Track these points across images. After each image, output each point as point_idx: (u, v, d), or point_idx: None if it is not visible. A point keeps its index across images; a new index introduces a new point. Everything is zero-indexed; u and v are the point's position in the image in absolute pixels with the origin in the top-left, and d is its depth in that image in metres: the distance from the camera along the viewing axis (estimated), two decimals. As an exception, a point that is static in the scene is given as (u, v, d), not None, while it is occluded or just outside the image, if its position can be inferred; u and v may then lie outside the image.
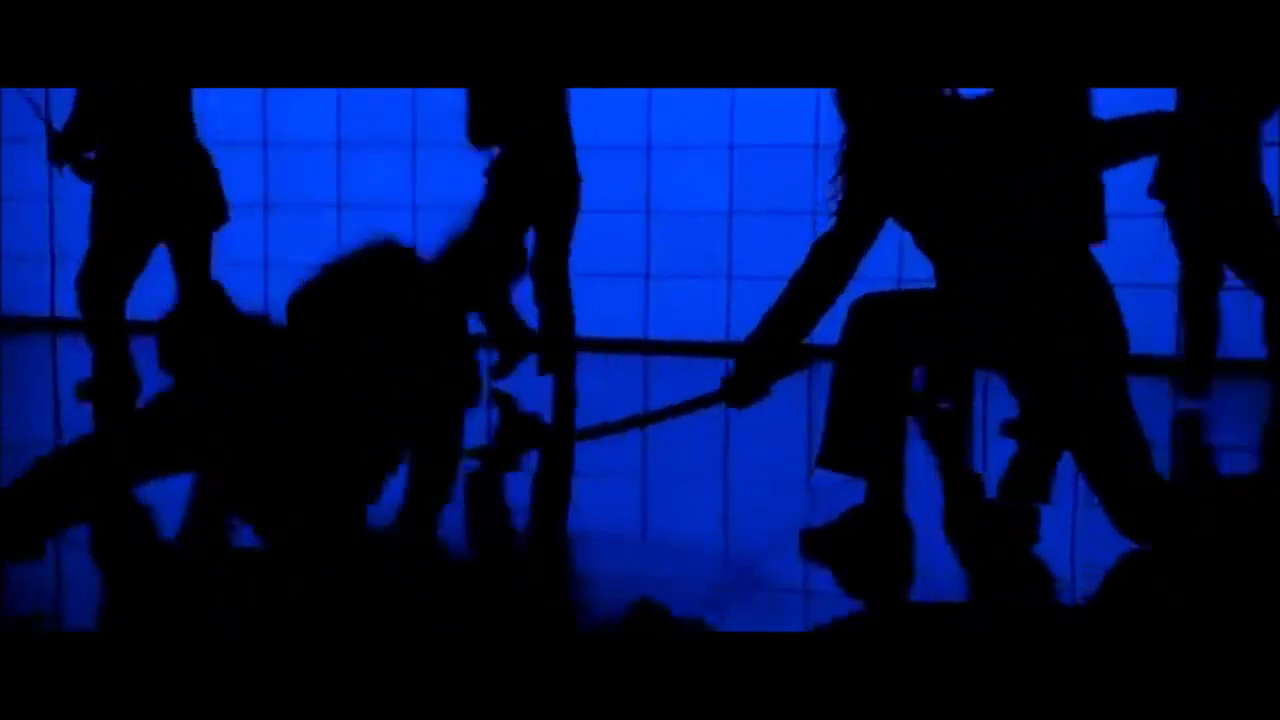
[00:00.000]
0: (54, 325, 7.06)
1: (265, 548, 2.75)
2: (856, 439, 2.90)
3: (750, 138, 6.72)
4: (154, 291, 4.95)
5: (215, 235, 4.90)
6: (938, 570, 2.93)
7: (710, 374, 3.30)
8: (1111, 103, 3.82)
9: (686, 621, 2.43)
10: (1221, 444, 4.60)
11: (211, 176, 4.82)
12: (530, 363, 5.30)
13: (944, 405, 4.69)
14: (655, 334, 6.85)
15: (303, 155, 7.39)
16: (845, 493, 3.07)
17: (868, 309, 2.88)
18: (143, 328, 5.92)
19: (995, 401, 4.62)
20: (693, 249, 6.82)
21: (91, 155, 4.73)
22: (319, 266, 3.14)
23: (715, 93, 6.61)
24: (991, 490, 3.54)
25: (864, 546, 2.96)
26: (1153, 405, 4.51)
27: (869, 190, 2.92)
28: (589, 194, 5.10)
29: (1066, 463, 3.12)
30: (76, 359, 5.25)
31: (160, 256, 4.83)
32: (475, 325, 3.39)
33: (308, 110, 7.33)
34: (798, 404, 4.77)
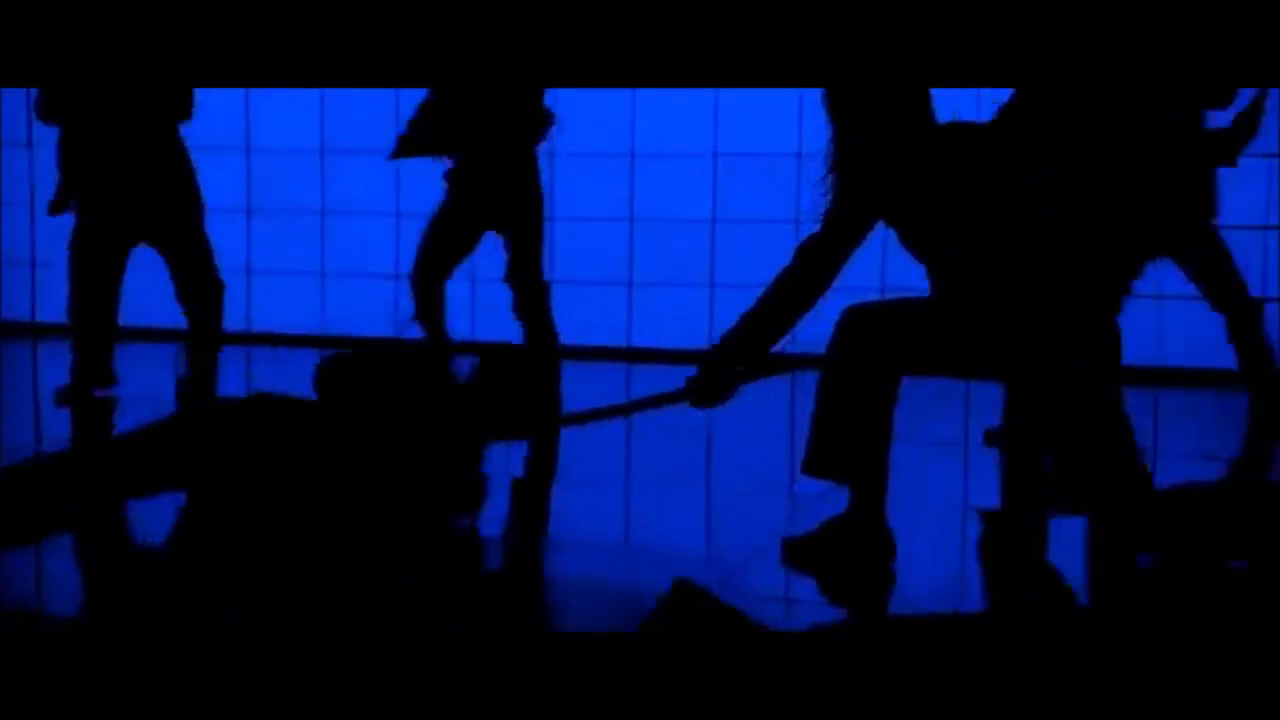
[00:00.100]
0: (35, 331, 7.02)
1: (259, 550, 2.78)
2: (841, 447, 2.91)
3: (734, 146, 6.73)
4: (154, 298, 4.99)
5: (205, 230, 4.88)
6: (918, 579, 2.94)
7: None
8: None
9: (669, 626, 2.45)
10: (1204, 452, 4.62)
11: (188, 175, 4.82)
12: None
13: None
14: (638, 342, 6.85)
15: (286, 161, 7.37)
16: (828, 500, 3.09)
17: (857, 317, 2.89)
18: (139, 333, 5.95)
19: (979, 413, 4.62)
20: (676, 257, 6.82)
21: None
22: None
23: (699, 100, 6.62)
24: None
25: (844, 556, 2.96)
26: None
27: (862, 191, 2.91)
28: (572, 202, 5.10)
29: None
30: (58, 365, 5.22)
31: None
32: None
33: (291, 116, 7.31)
34: (780, 411, 4.78)
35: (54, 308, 5.10)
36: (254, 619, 2.51)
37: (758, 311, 2.94)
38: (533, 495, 3.91)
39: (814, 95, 3.17)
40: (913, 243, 3.00)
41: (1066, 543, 3.22)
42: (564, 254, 5.16)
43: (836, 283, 2.96)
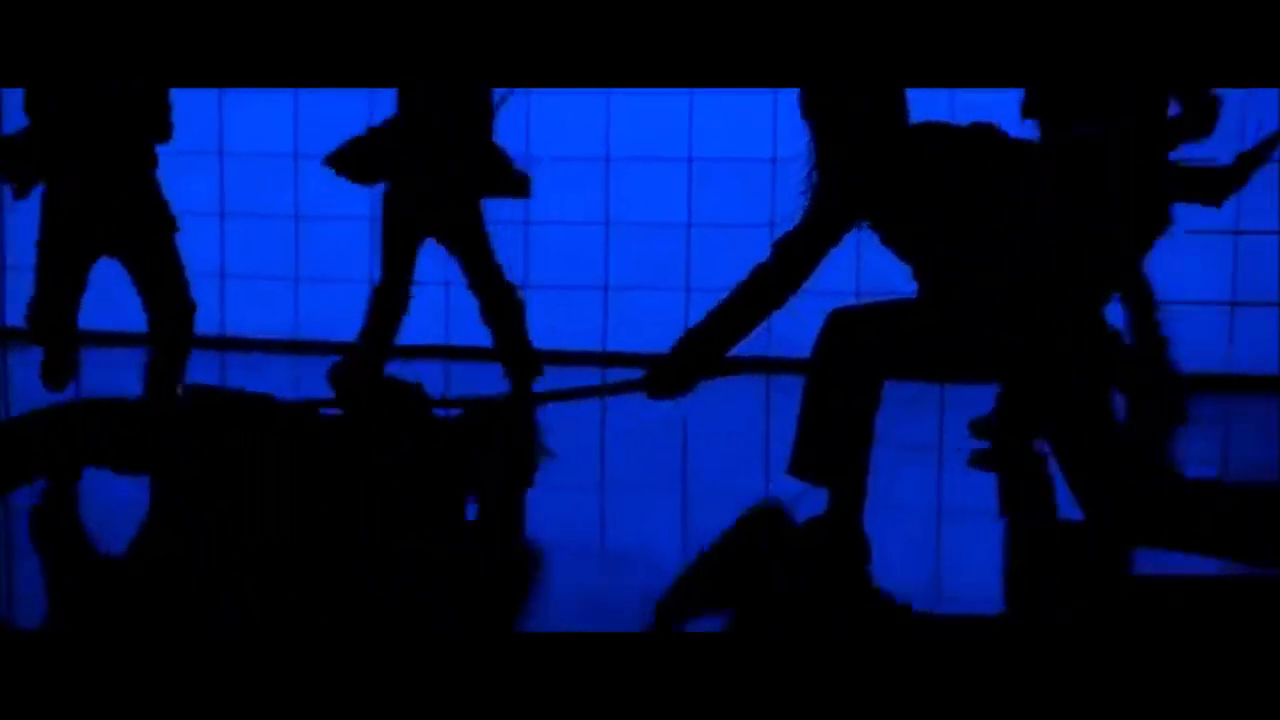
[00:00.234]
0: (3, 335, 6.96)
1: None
2: (823, 450, 2.92)
3: (709, 151, 6.73)
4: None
5: (176, 247, 4.82)
6: (895, 580, 2.95)
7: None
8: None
9: (646, 631, 2.44)
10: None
11: (158, 196, 4.77)
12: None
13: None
14: (614, 346, 6.83)
15: (259, 165, 7.32)
16: (806, 502, 3.08)
17: (841, 320, 2.90)
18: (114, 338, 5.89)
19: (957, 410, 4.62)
20: (651, 261, 6.82)
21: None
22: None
23: (674, 105, 6.62)
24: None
25: (822, 558, 2.98)
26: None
27: (856, 191, 2.91)
28: (549, 206, 5.08)
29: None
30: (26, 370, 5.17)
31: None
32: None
33: (264, 119, 7.26)
34: (756, 415, 4.78)
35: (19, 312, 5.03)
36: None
37: (728, 307, 2.94)
38: (509, 498, 3.90)
39: (788, 100, 3.16)
40: (903, 244, 2.97)
41: (1065, 541, 3.21)
42: (540, 258, 5.14)
43: (812, 285, 2.96)
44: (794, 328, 3.03)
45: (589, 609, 2.64)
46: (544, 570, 3.16)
